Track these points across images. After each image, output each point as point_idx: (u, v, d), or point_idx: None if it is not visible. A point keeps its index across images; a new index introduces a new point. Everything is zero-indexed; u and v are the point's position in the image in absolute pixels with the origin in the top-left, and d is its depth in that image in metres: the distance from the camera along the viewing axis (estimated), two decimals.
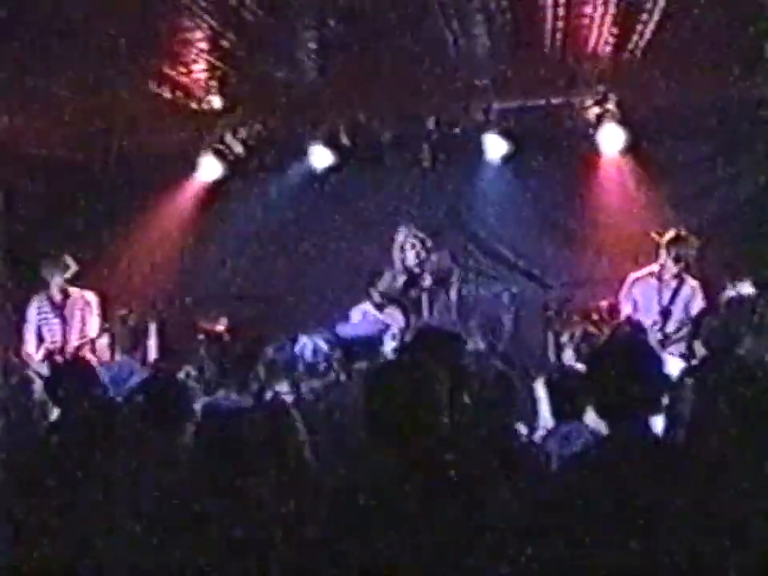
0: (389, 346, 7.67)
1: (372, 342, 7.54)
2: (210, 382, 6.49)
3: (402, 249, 8.20)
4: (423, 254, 8.14)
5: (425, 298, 8.02)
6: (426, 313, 7.97)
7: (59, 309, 8.69)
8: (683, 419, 3.97)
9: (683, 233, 8.17)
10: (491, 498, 3.06)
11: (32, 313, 8.75)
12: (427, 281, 8.05)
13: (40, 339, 8.70)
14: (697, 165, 9.42)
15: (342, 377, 5.80)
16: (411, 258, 8.13)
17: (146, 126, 9.40)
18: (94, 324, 8.71)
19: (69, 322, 8.66)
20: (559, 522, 3.07)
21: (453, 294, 8.13)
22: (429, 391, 3.29)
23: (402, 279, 8.17)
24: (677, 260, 8.04)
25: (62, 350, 8.55)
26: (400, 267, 8.22)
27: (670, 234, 8.16)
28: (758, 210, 9.14)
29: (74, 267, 8.70)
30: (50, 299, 8.72)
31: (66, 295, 8.73)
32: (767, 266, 8.59)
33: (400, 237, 8.25)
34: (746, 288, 7.77)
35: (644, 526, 2.91)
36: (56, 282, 8.67)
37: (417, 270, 8.10)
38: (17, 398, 6.49)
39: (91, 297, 8.79)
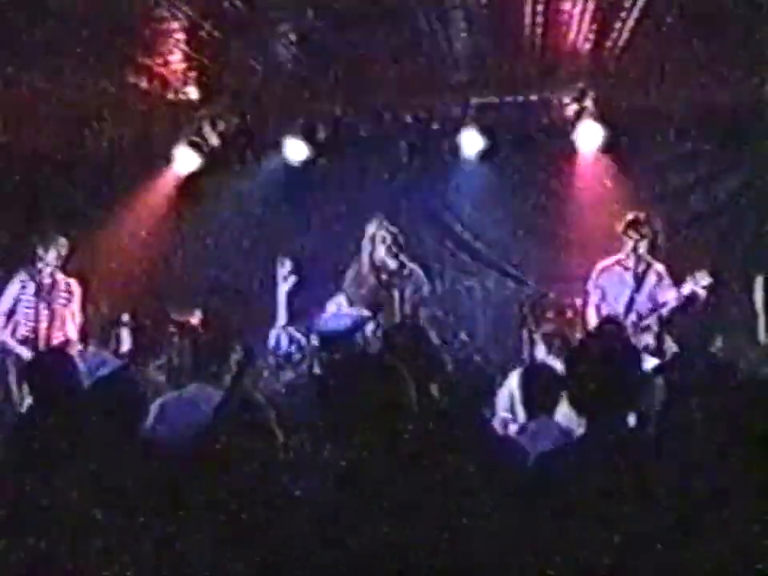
0: (363, 338, 7.63)
1: (346, 335, 7.50)
2: (182, 374, 6.46)
3: (373, 241, 8.07)
4: (394, 249, 8.00)
5: (396, 292, 7.92)
6: (397, 307, 7.88)
7: (44, 293, 8.48)
8: (656, 415, 3.98)
9: (641, 215, 8.23)
10: (465, 491, 3.05)
11: (13, 288, 8.50)
12: (398, 275, 7.93)
13: (11, 314, 8.48)
14: (674, 163, 9.45)
15: (316, 368, 5.79)
16: (381, 252, 8.01)
17: (122, 116, 9.33)
18: (75, 312, 8.58)
19: (51, 307, 8.46)
20: (533, 517, 3.07)
21: (425, 289, 8.05)
22: (400, 386, 3.27)
23: (371, 272, 8.06)
24: (638, 242, 8.12)
25: (46, 333, 8.36)
26: (367, 260, 8.10)
27: (628, 216, 8.22)
28: (736, 208, 9.18)
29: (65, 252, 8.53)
30: (37, 281, 8.49)
31: (53, 280, 8.54)
32: (745, 264, 8.66)
33: (371, 228, 8.13)
34: (704, 280, 7.85)
35: (620, 522, 2.92)
36: (47, 265, 8.46)
37: (389, 265, 7.98)
38: None
39: (75, 286, 8.65)
